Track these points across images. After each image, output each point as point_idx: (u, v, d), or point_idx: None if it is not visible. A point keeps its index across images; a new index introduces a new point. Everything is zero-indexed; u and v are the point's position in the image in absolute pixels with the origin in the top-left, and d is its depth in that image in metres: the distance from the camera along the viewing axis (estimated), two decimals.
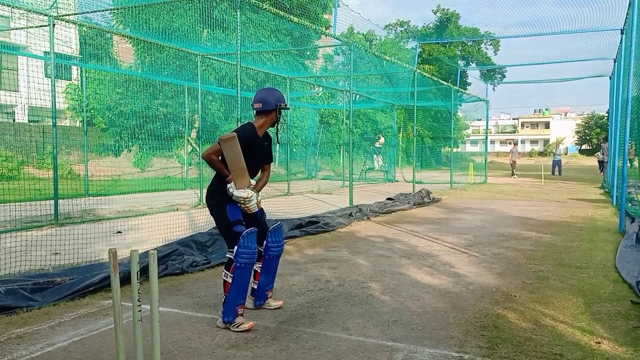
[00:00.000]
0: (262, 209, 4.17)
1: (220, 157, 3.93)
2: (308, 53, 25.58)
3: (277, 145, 4.42)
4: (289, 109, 4.30)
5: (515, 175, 25.48)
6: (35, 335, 3.66)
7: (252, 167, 4.03)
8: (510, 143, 77.57)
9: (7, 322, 3.91)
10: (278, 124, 4.20)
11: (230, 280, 3.81)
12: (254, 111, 4.14)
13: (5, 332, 3.70)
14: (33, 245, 6.21)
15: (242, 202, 3.92)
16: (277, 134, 4.25)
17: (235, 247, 3.80)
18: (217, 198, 3.99)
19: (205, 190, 4.18)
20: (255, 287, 4.26)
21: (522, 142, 74.21)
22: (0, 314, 4.00)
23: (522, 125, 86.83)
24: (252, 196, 3.94)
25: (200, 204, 11.13)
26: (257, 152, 4.07)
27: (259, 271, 4.24)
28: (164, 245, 6.00)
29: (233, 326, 3.78)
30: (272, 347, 3.48)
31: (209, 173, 20.27)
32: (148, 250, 2.87)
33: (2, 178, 14.55)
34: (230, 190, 3.89)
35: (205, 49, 13.30)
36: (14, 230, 7.70)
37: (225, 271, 3.88)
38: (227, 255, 3.92)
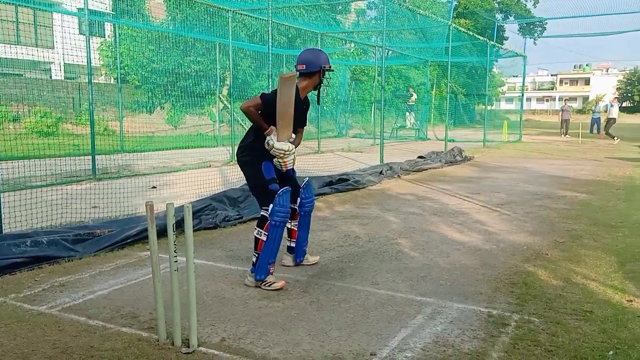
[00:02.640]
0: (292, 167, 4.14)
1: (259, 112, 3.83)
2: (340, 7, 25.05)
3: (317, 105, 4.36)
4: (333, 70, 4.16)
5: (568, 135, 24.41)
6: (77, 284, 3.83)
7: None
8: (547, 100, 74.75)
9: (50, 270, 4.10)
10: (320, 86, 4.10)
11: (264, 239, 3.77)
12: (297, 72, 4.00)
13: (49, 280, 3.88)
14: (73, 199, 6.42)
15: (282, 155, 3.83)
16: (318, 95, 4.17)
17: (271, 205, 3.76)
18: (251, 155, 3.92)
19: (236, 147, 4.19)
20: (293, 245, 4.28)
21: (560, 99, 71.92)
22: (44, 263, 4.19)
23: (561, 81, 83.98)
24: (292, 149, 3.87)
25: (232, 161, 11.25)
26: (295, 113, 3.92)
27: (295, 229, 4.24)
28: (198, 200, 6.13)
29: (264, 285, 3.77)
30: (303, 299, 3.57)
31: (240, 130, 20.42)
32: (183, 205, 2.95)
33: (41, 134, 14.95)
34: (271, 142, 3.80)
35: (236, 4, 13.15)
36: (55, 184, 7.95)
37: (258, 229, 3.83)
38: (261, 214, 3.87)
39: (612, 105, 22.40)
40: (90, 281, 3.89)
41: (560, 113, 26.36)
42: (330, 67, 4.04)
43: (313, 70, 3.98)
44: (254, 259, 3.83)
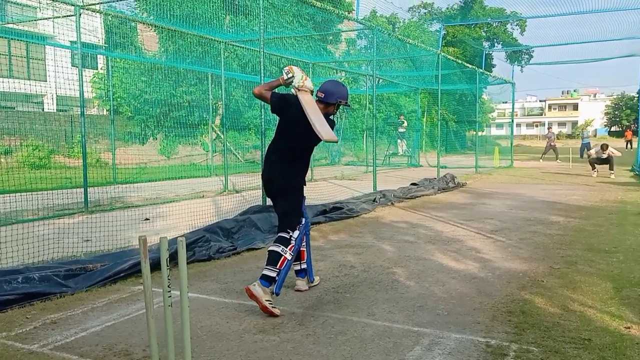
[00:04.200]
0: None
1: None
2: (331, 38, 25.42)
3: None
4: (349, 107, 4.45)
5: (559, 160, 24.56)
6: (69, 321, 3.77)
7: (293, 141, 4.16)
8: (536, 125, 75.63)
9: (41, 307, 4.04)
10: (333, 116, 4.32)
11: (289, 257, 4.00)
12: (316, 97, 4.27)
13: (40, 318, 3.82)
14: (65, 233, 6.36)
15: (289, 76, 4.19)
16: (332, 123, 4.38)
17: (297, 232, 4.13)
18: (301, 182, 4.24)
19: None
20: (304, 266, 4.45)
21: (550, 124, 72.76)
22: (35, 300, 4.11)
23: (550, 107, 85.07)
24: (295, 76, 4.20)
25: (225, 191, 11.23)
26: (297, 124, 4.13)
27: (304, 249, 4.41)
28: (191, 232, 6.09)
29: (270, 305, 3.79)
30: (299, 332, 3.52)
31: (234, 159, 20.36)
32: (176, 237, 2.93)
33: (33, 167, 14.89)
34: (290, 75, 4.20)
35: (228, 36, 13.34)
36: (46, 218, 7.89)
37: (282, 246, 4.00)
38: (282, 235, 4.09)
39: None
40: (82, 318, 3.83)
41: (547, 140, 26.97)
42: (346, 102, 4.26)
43: (329, 101, 4.21)
44: (269, 273, 3.89)
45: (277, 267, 3.92)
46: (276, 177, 4.19)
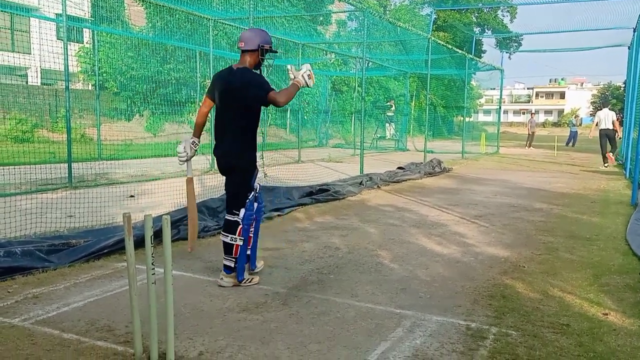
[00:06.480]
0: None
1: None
2: (321, 19, 25.22)
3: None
4: (275, 52, 4.13)
5: (532, 147, 25.03)
6: (51, 295, 3.75)
7: (226, 112, 3.97)
8: (523, 113, 76.17)
9: (23, 282, 4.01)
10: (261, 65, 4.07)
11: (240, 243, 3.98)
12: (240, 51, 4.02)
13: (22, 292, 3.79)
14: (48, 208, 6.29)
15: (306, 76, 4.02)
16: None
17: (242, 210, 3.97)
18: (249, 160, 4.01)
19: (213, 149, 4.18)
20: (248, 252, 4.15)
21: (537, 112, 73.22)
22: (17, 274, 4.08)
23: (537, 95, 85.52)
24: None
25: (211, 169, 11.15)
26: (227, 93, 3.93)
27: (251, 235, 4.16)
28: (176, 210, 6.06)
29: (245, 282, 4.03)
30: (282, 312, 3.54)
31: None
32: (161, 215, 2.91)
33: (16, 140, 14.67)
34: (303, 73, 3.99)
35: (217, 13, 13.14)
36: (29, 192, 7.80)
37: (230, 235, 3.98)
38: (228, 218, 4.02)
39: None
40: (64, 293, 3.81)
41: (528, 126, 27.22)
42: (270, 47, 4.02)
43: (251, 49, 3.98)
44: (228, 263, 4.03)
45: (233, 256, 3.99)
46: (221, 156, 4.06)
